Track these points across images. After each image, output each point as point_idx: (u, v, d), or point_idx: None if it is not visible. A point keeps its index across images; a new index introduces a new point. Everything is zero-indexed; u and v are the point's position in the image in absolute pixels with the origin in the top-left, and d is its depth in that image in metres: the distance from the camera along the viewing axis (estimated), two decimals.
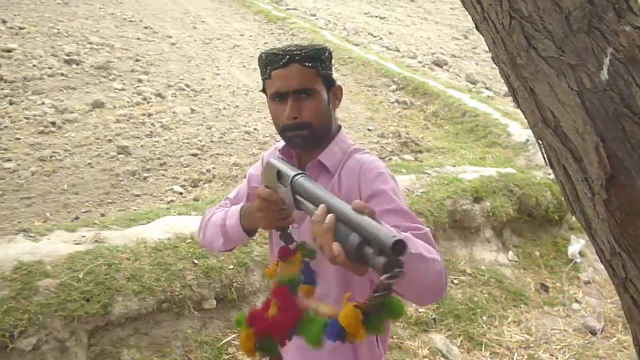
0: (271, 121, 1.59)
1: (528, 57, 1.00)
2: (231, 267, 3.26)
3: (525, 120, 1.11)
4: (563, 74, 0.95)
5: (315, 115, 1.47)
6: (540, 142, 1.07)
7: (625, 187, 0.93)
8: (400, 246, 0.89)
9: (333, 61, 1.62)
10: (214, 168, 5.42)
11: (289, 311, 1.24)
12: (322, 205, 1.06)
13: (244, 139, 6.23)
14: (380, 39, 12.19)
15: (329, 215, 1.02)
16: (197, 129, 6.41)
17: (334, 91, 1.55)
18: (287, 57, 1.44)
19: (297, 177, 1.23)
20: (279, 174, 1.30)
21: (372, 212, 0.99)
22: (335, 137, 1.57)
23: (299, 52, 1.44)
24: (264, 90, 1.56)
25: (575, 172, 1.00)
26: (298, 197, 1.22)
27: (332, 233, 1.00)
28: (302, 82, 1.45)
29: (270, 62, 1.47)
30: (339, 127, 1.61)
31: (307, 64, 1.45)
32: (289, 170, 1.27)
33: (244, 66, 9.23)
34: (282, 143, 1.66)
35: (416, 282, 1.14)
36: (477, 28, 1.15)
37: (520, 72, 1.03)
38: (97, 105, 6.75)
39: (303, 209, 1.21)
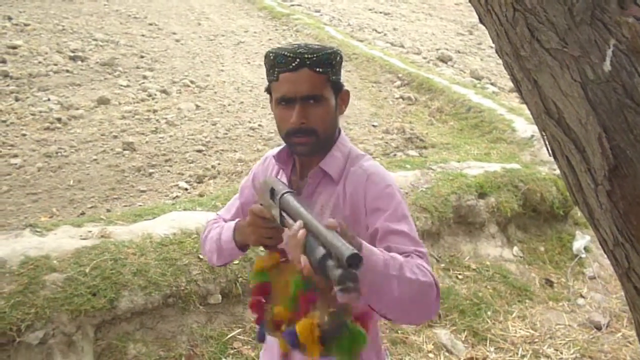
0: None
1: (531, 49, 1.00)
2: (236, 262, 3.28)
3: (530, 115, 1.12)
4: (566, 66, 0.96)
5: (321, 122, 1.42)
6: (544, 134, 1.08)
7: (628, 178, 0.94)
8: (355, 259, 0.91)
9: None
10: (218, 164, 5.43)
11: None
12: (299, 221, 1.10)
13: (248, 135, 6.24)
14: (385, 35, 12.17)
15: (301, 230, 1.06)
16: (202, 125, 6.43)
17: (342, 96, 1.50)
18: (298, 60, 1.37)
19: (284, 194, 1.24)
20: (272, 192, 1.30)
21: (344, 229, 1.03)
22: (336, 141, 1.53)
23: (310, 56, 1.38)
24: (268, 91, 1.51)
25: (578, 163, 1.01)
26: (283, 214, 1.23)
27: (301, 245, 1.04)
28: (311, 89, 1.39)
29: (278, 63, 1.40)
30: (339, 130, 1.57)
31: (318, 69, 1.39)
32: (280, 187, 1.28)
33: (249, 62, 9.23)
34: (276, 150, 1.61)
35: (393, 301, 1.15)
36: (480, 21, 1.16)
37: (523, 64, 1.03)
38: (103, 101, 6.77)
39: (286, 225, 1.22)
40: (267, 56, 1.45)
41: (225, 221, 1.70)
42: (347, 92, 1.53)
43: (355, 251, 0.92)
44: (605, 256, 1.08)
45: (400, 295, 1.14)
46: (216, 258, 1.64)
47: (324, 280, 0.99)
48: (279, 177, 1.61)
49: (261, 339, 1.56)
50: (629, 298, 1.08)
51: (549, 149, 1.09)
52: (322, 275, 0.99)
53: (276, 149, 1.63)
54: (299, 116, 1.39)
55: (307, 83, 1.38)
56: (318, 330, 1.05)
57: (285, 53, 1.39)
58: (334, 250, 0.96)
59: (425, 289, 1.19)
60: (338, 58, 1.45)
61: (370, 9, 14.82)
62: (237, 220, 1.57)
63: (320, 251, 1.00)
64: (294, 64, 1.37)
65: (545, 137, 1.08)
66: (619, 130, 0.93)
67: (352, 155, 1.53)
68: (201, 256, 3.20)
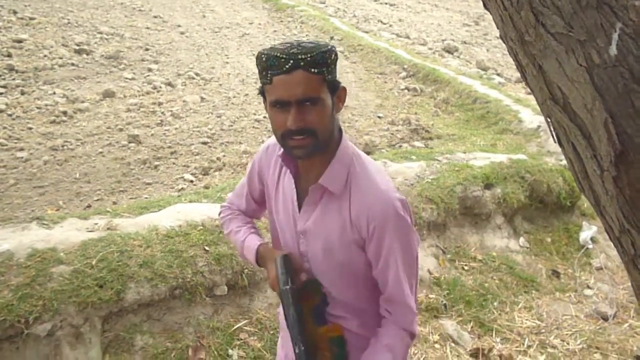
0: None
1: (536, 34, 0.99)
2: None
3: (537, 106, 1.11)
4: (572, 50, 0.95)
5: (319, 123, 1.36)
6: (549, 120, 1.07)
7: (634, 164, 0.93)
8: None
9: (343, 49, 1.58)
10: (224, 156, 5.43)
11: None
12: None
13: (253, 127, 6.24)
14: (390, 26, 12.13)
15: None
16: (207, 118, 6.43)
17: (338, 94, 1.44)
18: (291, 62, 1.30)
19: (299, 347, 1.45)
20: (287, 317, 1.50)
21: None
22: (337, 147, 1.47)
23: (303, 57, 1.30)
24: (262, 94, 1.44)
25: (584, 149, 1.00)
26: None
27: None
28: (307, 91, 1.32)
29: (271, 66, 1.33)
30: (340, 132, 1.50)
31: (313, 70, 1.31)
32: (289, 315, 1.47)
33: (254, 55, 9.13)
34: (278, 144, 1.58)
35: None
36: (485, 6, 1.14)
37: (528, 49, 1.02)
38: (108, 94, 6.78)
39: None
40: (258, 57, 1.37)
41: (241, 211, 1.84)
42: (344, 90, 1.46)
43: None
44: (612, 247, 1.07)
45: None
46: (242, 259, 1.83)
47: None
48: (283, 175, 1.60)
49: None
50: (635, 286, 1.07)
51: (555, 135, 1.08)
52: None
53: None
54: (296, 120, 1.33)
55: (302, 85, 1.31)
56: None
57: (278, 54, 1.31)
58: None
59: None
60: (333, 56, 1.38)
61: (375, 0, 14.76)
62: (256, 246, 1.70)
63: None
64: (287, 66, 1.30)
65: (550, 123, 1.07)
66: (625, 116, 0.92)
67: (354, 163, 1.48)
68: (207, 248, 3.20)
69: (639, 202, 0.94)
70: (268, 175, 1.66)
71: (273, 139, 1.62)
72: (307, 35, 10.50)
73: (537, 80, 1.04)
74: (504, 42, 1.11)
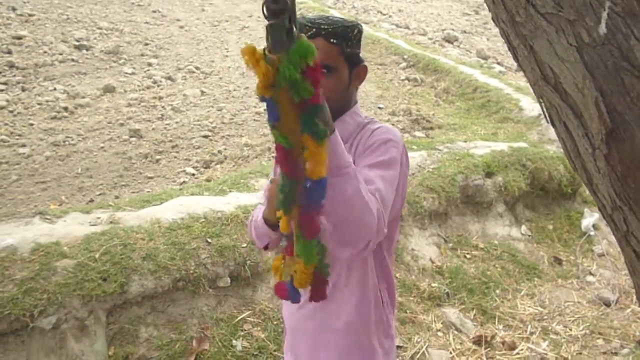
0: None
1: (527, 15, 1.00)
2: (244, 245, 3.30)
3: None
4: (562, 30, 0.95)
5: (331, 91, 1.41)
6: (541, 100, 1.08)
7: (625, 141, 0.93)
8: None
9: None
10: (225, 149, 5.44)
11: None
12: None
13: (254, 120, 6.25)
14: (390, 16, 12.09)
15: None
16: (208, 111, 6.44)
17: (357, 70, 1.52)
18: (314, 29, 1.41)
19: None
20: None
21: None
22: (348, 110, 1.55)
23: (326, 27, 1.42)
24: None
25: (575, 128, 1.00)
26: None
27: None
28: (323, 58, 1.39)
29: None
30: (355, 101, 1.59)
31: (332, 40, 1.42)
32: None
33: None
34: None
35: (341, 201, 1.16)
36: None
37: (519, 30, 1.03)
38: (108, 89, 6.79)
39: None
40: None
41: None
42: (364, 68, 1.54)
43: None
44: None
45: (351, 201, 1.18)
46: (259, 241, 1.61)
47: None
48: None
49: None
50: (628, 262, 1.08)
51: (547, 116, 1.08)
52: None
53: None
54: None
55: (320, 52, 1.34)
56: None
57: (305, 22, 1.43)
58: None
59: (367, 210, 1.22)
60: (356, 32, 1.47)
61: None
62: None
63: None
64: (310, 33, 1.41)
65: (542, 103, 1.08)
66: (615, 94, 0.92)
67: (364, 123, 1.55)
68: (209, 240, 3.22)
69: (630, 179, 0.95)
70: None
71: None
72: None
73: (528, 61, 1.05)
74: (495, 24, 1.11)
